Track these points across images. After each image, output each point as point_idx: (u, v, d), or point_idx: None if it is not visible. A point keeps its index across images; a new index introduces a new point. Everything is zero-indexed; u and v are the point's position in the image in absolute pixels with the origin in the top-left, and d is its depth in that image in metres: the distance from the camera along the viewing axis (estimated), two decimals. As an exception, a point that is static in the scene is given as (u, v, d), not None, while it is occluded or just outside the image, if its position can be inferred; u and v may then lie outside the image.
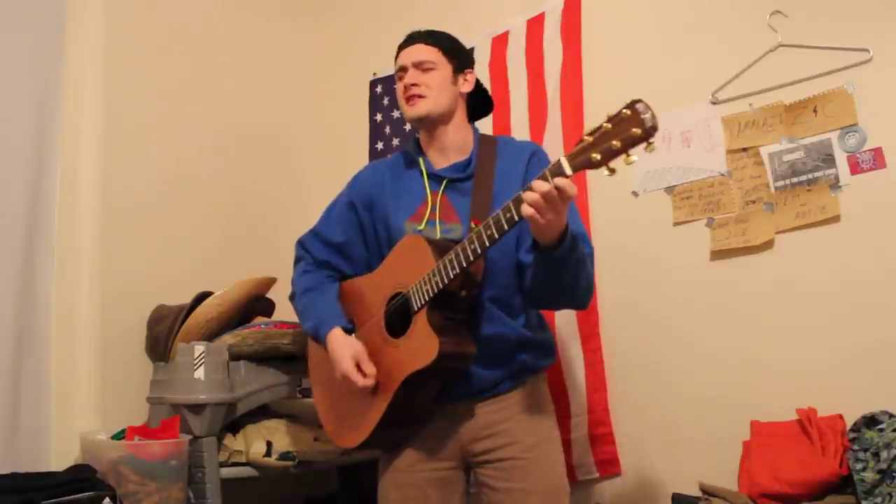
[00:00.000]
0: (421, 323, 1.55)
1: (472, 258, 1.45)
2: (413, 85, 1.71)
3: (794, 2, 1.94)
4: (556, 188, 1.30)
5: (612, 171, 1.25)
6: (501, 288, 1.64)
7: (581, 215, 2.12)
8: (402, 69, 1.75)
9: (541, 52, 2.39)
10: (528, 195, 1.32)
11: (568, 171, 1.29)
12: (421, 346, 1.53)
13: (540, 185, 1.31)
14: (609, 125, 1.24)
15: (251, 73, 2.70)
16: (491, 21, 2.53)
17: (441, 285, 1.50)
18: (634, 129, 1.19)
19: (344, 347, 1.65)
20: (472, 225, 1.46)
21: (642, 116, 1.19)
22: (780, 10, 1.95)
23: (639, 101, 1.21)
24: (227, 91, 2.59)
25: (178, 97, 2.39)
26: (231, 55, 2.62)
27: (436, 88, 1.71)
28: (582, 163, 1.27)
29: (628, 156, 1.22)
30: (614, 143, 1.22)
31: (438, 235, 1.65)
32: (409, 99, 1.72)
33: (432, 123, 1.74)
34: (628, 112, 1.21)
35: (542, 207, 1.31)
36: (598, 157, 1.24)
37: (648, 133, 1.19)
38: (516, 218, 1.37)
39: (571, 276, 1.50)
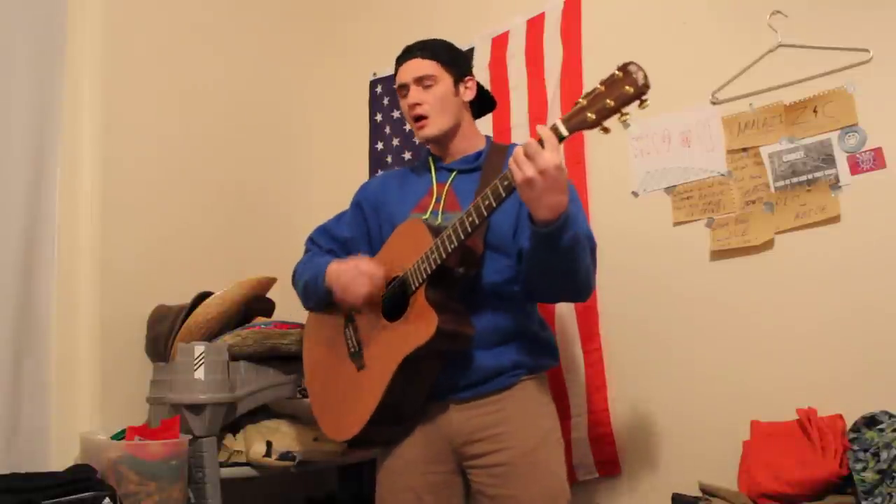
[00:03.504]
0: (419, 301, 1.53)
1: (469, 230, 1.45)
2: (416, 104, 1.71)
3: (794, 2, 1.94)
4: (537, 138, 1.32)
5: (606, 129, 1.30)
6: (498, 276, 1.63)
7: (581, 216, 2.13)
8: (404, 87, 1.74)
9: (541, 52, 2.39)
10: (515, 149, 1.36)
11: (564, 132, 1.33)
12: (419, 324, 1.52)
13: (526, 141, 1.34)
14: (602, 87, 1.29)
15: (251, 73, 2.69)
16: (491, 21, 2.53)
17: (439, 261, 1.49)
18: (627, 87, 1.25)
19: (349, 260, 1.64)
20: None
21: (634, 76, 1.25)
22: (780, 10, 1.95)
23: (630, 62, 1.26)
24: (227, 91, 2.58)
25: (178, 97, 2.39)
26: (231, 55, 2.62)
27: (439, 106, 1.70)
28: (577, 123, 1.31)
29: (622, 114, 1.27)
30: (608, 101, 1.27)
31: (439, 222, 1.65)
32: (415, 119, 1.73)
33: (442, 139, 1.75)
34: (620, 73, 1.27)
35: (520, 158, 1.33)
36: (593, 116, 1.29)
37: (641, 91, 1.25)
38: (512, 183, 1.38)
39: (567, 262, 1.48)
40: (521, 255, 1.62)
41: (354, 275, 1.60)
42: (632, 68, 1.25)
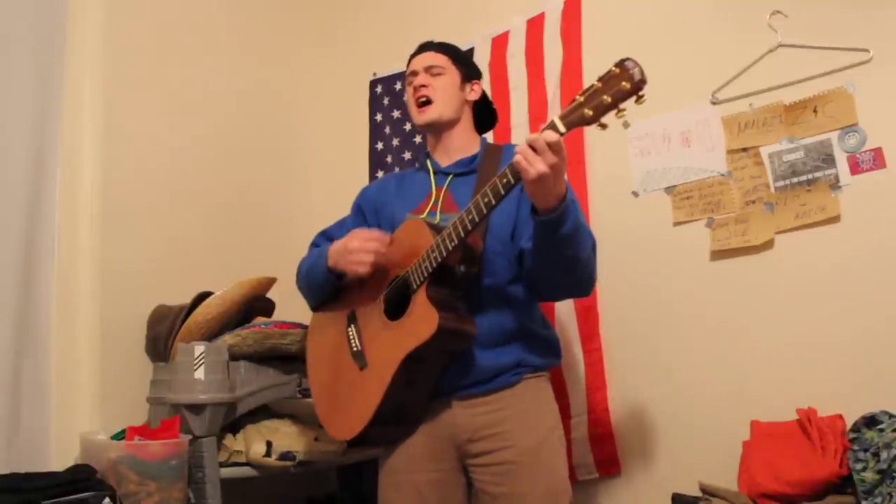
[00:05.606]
0: (420, 300, 1.54)
1: (469, 227, 1.47)
2: (423, 86, 1.78)
3: (794, 2, 1.95)
4: (544, 139, 1.34)
5: (604, 126, 1.31)
6: (499, 277, 1.64)
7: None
8: (413, 73, 1.82)
9: (541, 52, 2.39)
10: (518, 147, 1.37)
11: (561, 128, 1.34)
12: (420, 322, 1.52)
13: (529, 136, 1.36)
14: (599, 84, 1.30)
15: (251, 73, 2.70)
16: (491, 21, 2.54)
17: (440, 259, 1.51)
18: (624, 84, 1.26)
19: (344, 237, 1.67)
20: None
21: (631, 71, 1.26)
22: (780, 10, 1.95)
23: (627, 58, 1.27)
24: (228, 91, 2.58)
25: (178, 97, 2.39)
26: (231, 55, 2.62)
27: (444, 92, 1.78)
28: (575, 120, 1.32)
29: (620, 111, 1.28)
30: (605, 98, 1.28)
31: (438, 221, 1.67)
32: (418, 101, 1.78)
33: (440, 128, 1.80)
34: (617, 70, 1.28)
35: (529, 155, 1.35)
36: (591, 112, 1.30)
37: (637, 86, 1.25)
38: (512, 181, 1.40)
39: (570, 248, 1.50)
40: (520, 257, 1.64)
41: (362, 238, 1.63)
42: (628, 64, 1.26)
